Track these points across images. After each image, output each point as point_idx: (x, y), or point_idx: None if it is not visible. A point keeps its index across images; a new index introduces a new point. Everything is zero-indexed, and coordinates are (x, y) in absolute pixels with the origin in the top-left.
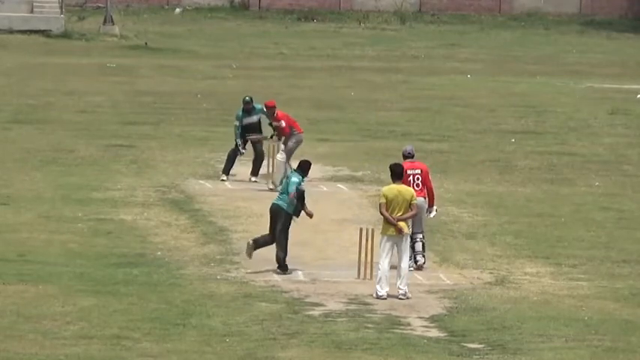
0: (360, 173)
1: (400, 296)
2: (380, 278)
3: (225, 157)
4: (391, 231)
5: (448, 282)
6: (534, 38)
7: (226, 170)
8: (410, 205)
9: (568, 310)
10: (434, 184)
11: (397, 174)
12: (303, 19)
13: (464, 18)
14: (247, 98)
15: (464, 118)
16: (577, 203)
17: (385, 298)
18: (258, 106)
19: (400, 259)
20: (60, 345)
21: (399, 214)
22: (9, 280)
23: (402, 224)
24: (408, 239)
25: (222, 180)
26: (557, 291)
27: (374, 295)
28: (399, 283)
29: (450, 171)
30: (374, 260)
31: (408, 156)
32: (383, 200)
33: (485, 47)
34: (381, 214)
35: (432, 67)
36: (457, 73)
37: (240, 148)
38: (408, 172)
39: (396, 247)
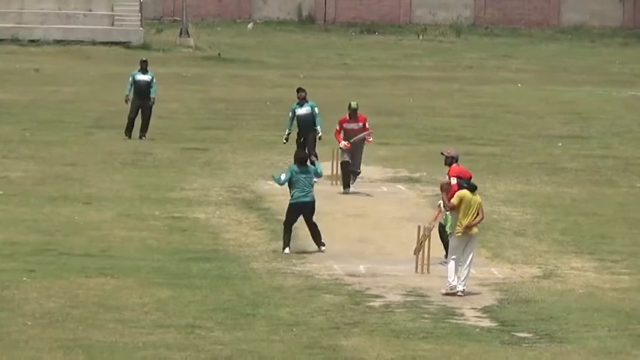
0: (417, 175)
1: (459, 293)
2: (450, 274)
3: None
4: (459, 232)
5: (499, 276)
6: (580, 50)
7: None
8: (477, 211)
9: (611, 302)
10: (487, 185)
11: (471, 189)
12: (365, 32)
13: (515, 31)
14: (301, 93)
15: (514, 124)
16: (619, 203)
17: (456, 288)
18: (311, 102)
19: (465, 259)
20: (138, 333)
21: (469, 219)
22: (91, 274)
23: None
24: (475, 239)
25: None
26: (601, 284)
27: (447, 289)
28: (460, 280)
29: (502, 173)
30: (431, 256)
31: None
32: (456, 200)
33: (534, 58)
34: (450, 206)
35: (485, 76)
36: (508, 83)
37: (285, 137)
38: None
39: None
